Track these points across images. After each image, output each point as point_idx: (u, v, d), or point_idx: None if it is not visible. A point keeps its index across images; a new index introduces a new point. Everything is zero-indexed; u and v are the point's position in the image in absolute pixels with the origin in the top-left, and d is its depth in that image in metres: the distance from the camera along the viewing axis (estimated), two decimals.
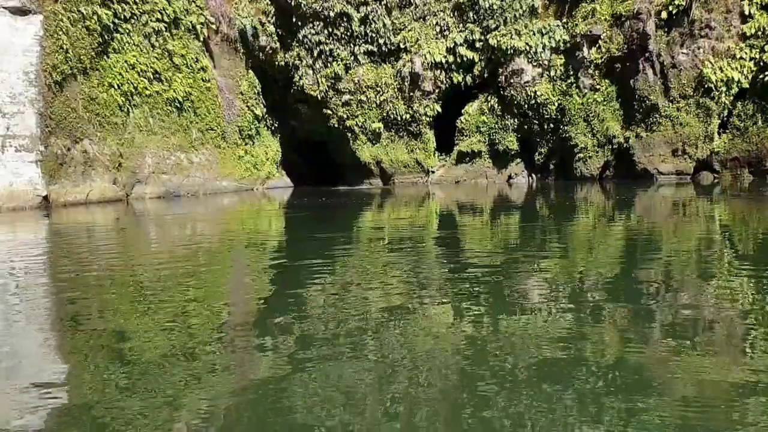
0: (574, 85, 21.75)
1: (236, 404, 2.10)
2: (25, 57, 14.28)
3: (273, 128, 26.18)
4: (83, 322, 3.21)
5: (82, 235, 8.41)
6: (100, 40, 17.06)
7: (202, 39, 21.38)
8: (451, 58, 23.30)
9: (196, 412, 2.02)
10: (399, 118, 24.34)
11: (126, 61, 18.06)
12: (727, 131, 19.35)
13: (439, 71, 23.53)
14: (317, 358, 2.56)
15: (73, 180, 15.48)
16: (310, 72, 24.63)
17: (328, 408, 2.05)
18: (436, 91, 23.89)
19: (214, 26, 22.07)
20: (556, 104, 22.16)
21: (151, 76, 19.05)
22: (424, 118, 24.17)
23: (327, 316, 3.25)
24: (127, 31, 18.26)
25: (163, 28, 19.59)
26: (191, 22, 20.79)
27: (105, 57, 17.31)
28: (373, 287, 4.06)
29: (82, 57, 16.21)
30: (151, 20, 19.16)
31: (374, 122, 24.69)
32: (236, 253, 6.28)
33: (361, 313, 3.33)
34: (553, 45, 21.80)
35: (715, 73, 18.34)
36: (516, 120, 23.13)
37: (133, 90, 18.32)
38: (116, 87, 17.64)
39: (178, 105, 20.11)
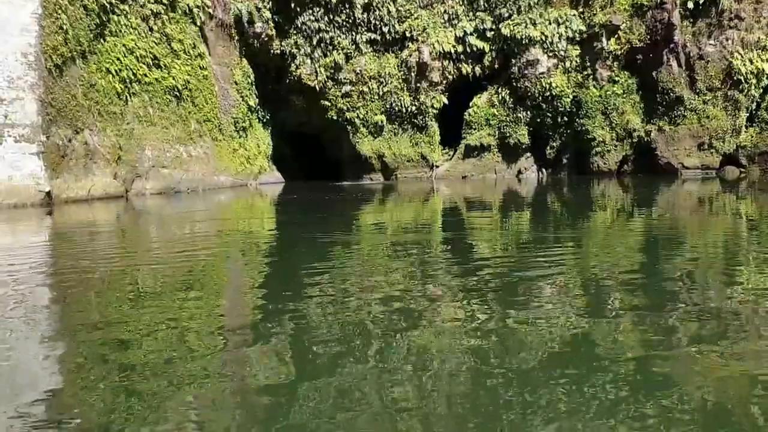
0: (591, 76, 21.08)
1: (238, 410, 2.03)
2: (22, 37, 12.64)
3: (264, 120, 24.76)
4: (83, 329, 3.06)
5: (85, 238, 7.63)
6: (98, 21, 15.46)
7: (198, 24, 19.88)
8: (460, 48, 22.34)
9: (198, 419, 1.97)
10: (404, 111, 23.24)
11: (124, 45, 16.49)
12: (754, 124, 18.97)
13: (447, 61, 22.54)
14: (320, 361, 2.47)
15: (75, 174, 13.90)
16: (308, 61, 23.33)
17: (332, 413, 1.98)
18: (444, 82, 22.90)
19: (209, 10, 20.56)
20: (571, 96, 21.43)
21: (150, 62, 17.53)
22: (430, 110, 23.14)
23: (329, 319, 3.12)
24: (125, 12, 16.68)
25: (162, 11, 18.07)
26: (188, 5, 19.28)
27: (102, 41, 15.71)
28: (376, 287, 3.92)
29: (81, 39, 14.61)
30: (148, 2, 17.61)
31: (376, 114, 23.56)
32: (237, 255, 5.92)
33: (364, 314, 3.21)
34: (570, 35, 21.04)
35: (744, 64, 17.90)
36: (528, 113, 22.29)
37: (132, 77, 16.78)
38: (114, 73, 16.07)
39: (177, 94, 18.62)
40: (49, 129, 13.02)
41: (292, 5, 22.56)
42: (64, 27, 13.80)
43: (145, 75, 17.27)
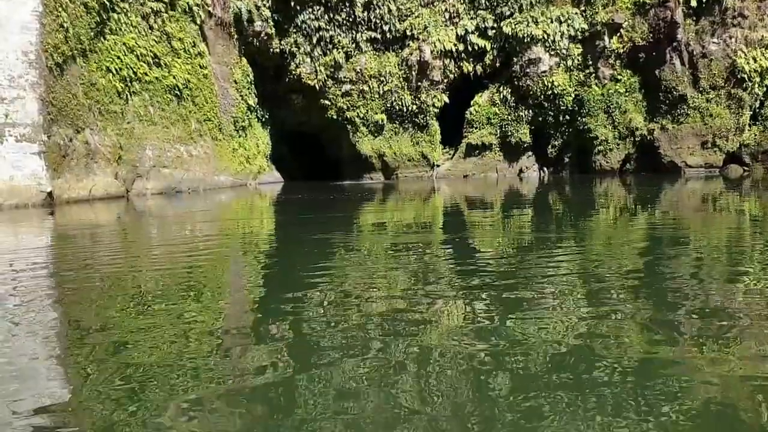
0: (593, 75, 21.00)
1: (240, 414, 2.01)
2: (23, 35, 12.48)
3: (263, 120, 24.60)
4: (86, 335, 3.03)
5: (87, 239, 7.52)
6: (98, 20, 15.29)
7: (198, 22, 19.72)
8: (461, 47, 22.25)
9: (199, 423, 1.95)
10: (404, 109, 23.12)
11: (124, 44, 16.33)
12: (757, 123, 18.93)
13: (448, 60, 22.44)
14: (320, 364, 2.43)
15: (76, 174, 13.74)
16: (308, 60, 23.19)
17: (333, 414, 1.97)
18: (445, 80, 22.79)
19: (209, 9, 20.39)
20: (573, 95, 21.35)
21: (151, 61, 17.36)
22: (431, 109, 23.02)
23: (330, 322, 3.06)
24: (125, 10, 16.51)
25: (162, 9, 17.91)
26: (188, 3, 19.11)
27: (102, 39, 15.54)
28: (378, 289, 3.85)
29: (81, 37, 14.45)
30: (148, 0, 17.45)
31: (377, 113, 23.43)
32: (240, 258, 5.83)
33: (365, 315, 3.17)
34: (572, 33, 20.97)
35: (748, 63, 17.85)
36: (530, 111, 22.20)
37: (132, 75, 16.60)
38: (114, 72, 15.90)
39: (178, 93, 18.45)
40: (50, 128, 12.87)
41: (292, 4, 22.41)
42: (65, 25, 13.64)
43: (146, 74, 17.11)
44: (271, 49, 23.08)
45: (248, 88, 22.78)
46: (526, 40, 21.19)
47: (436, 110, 23.16)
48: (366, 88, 23.15)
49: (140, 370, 2.39)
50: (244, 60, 22.56)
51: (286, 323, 3.04)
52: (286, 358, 2.51)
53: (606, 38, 20.53)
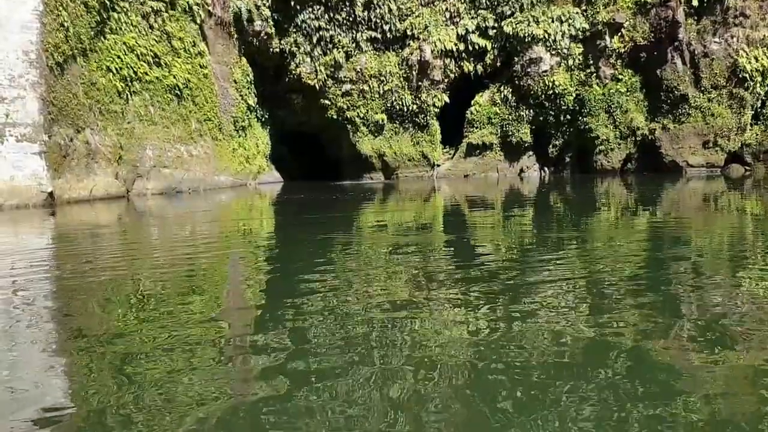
0: (594, 75, 20.96)
1: (241, 420, 2.02)
2: (23, 34, 12.44)
3: (263, 120, 24.54)
4: (87, 344, 2.98)
5: (88, 240, 7.50)
6: (98, 19, 15.25)
7: (198, 22, 19.67)
8: (461, 46, 22.19)
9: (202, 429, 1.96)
10: (405, 109, 23.07)
11: (125, 43, 16.29)
12: (759, 122, 18.91)
13: (448, 60, 22.38)
14: (323, 375, 2.42)
15: (77, 174, 13.69)
16: (308, 59, 23.12)
17: (335, 419, 1.99)
18: (445, 80, 22.74)
19: (209, 8, 20.34)
20: (574, 95, 21.31)
21: (151, 60, 17.31)
22: (431, 109, 22.97)
23: (333, 329, 3.05)
24: (125, 10, 16.47)
25: (162, 8, 17.86)
26: (188, 2, 19.06)
27: (102, 38, 15.50)
28: (380, 295, 3.82)
29: (81, 36, 14.41)
30: None
31: (377, 113, 23.37)
32: (241, 260, 5.79)
33: (367, 322, 3.15)
34: (573, 33, 20.93)
35: (749, 62, 17.83)
36: (531, 111, 22.17)
37: (133, 75, 16.56)
38: (115, 71, 15.86)
39: (178, 93, 18.41)
40: (51, 128, 12.83)
41: (292, 3, 22.35)
42: (65, 24, 13.60)
43: (146, 73, 17.07)
44: (271, 49, 23.02)
45: (248, 88, 22.72)
46: (526, 40, 21.15)
47: (436, 110, 23.11)
48: (366, 87, 23.09)
49: (143, 381, 2.37)
50: (244, 60, 22.50)
51: (287, 332, 3.01)
52: (287, 370, 2.48)
53: (607, 38, 20.50)
